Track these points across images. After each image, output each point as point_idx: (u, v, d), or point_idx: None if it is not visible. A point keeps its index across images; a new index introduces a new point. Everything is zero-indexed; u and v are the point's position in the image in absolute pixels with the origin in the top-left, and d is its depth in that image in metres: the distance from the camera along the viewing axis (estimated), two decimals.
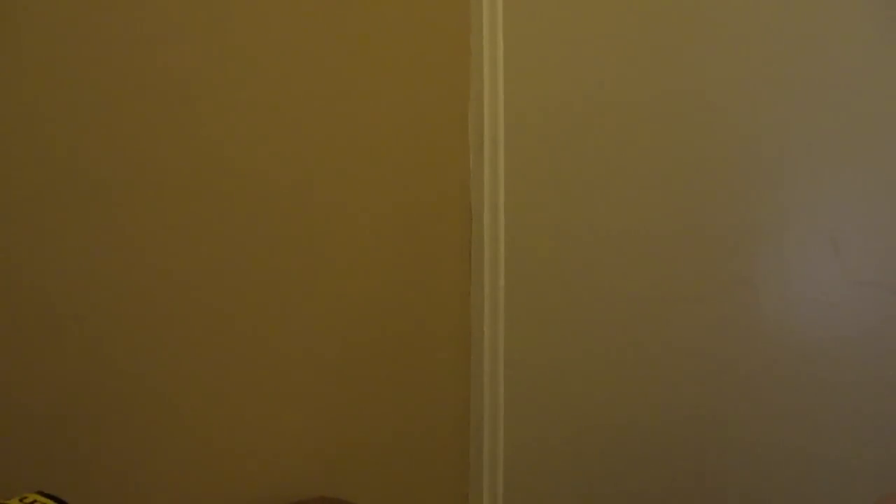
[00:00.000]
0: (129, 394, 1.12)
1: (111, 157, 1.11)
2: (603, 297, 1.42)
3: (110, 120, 1.11)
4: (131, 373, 1.13)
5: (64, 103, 1.07)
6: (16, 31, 1.03)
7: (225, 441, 1.22)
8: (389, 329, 1.43)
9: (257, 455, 1.26)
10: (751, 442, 1.27)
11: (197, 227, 1.19)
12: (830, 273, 1.20)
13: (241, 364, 1.24)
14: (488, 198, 1.53)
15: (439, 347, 1.50)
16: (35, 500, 0.85)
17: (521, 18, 1.51)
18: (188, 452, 1.18)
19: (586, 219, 1.44)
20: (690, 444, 1.33)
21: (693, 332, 1.32)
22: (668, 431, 1.35)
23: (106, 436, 1.10)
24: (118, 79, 1.11)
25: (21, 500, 0.85)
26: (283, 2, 1.28)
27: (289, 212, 1.29)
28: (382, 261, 1.42)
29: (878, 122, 1.17)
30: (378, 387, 1.41)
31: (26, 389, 1.04)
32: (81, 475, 1.08)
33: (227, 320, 1.22)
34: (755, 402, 1.27)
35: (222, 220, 1.21)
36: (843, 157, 1.20)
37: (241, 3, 1.23)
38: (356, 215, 1.38)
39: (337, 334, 1.35)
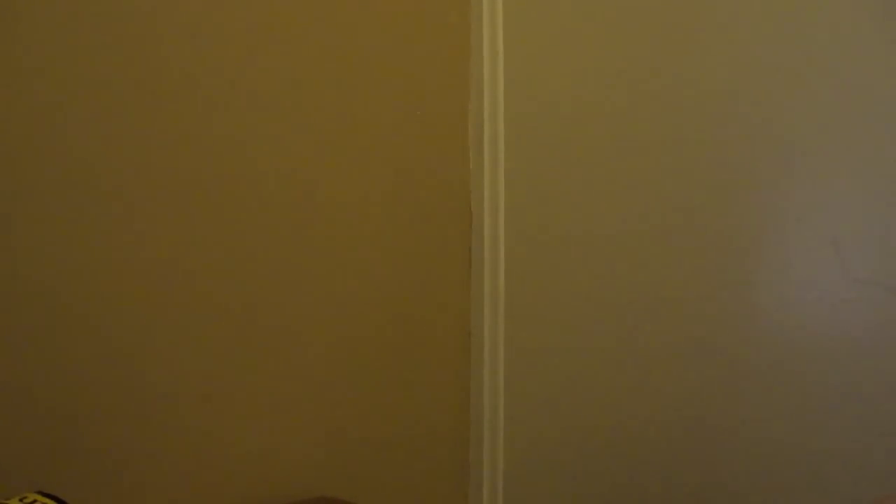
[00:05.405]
0: (129, 393, 1.12)
1: (115, 156, 1.11)
2: (603, 297, 1.42)
3: (115, 119, 1.11)
4: (131, 372, 1.13)
5: (68, 103, 1.07)
6: (19, 32, 1.03)
7: (225, 441, 1.22)
8: (389, 329, 1.42)
9: (257, 455, 1.26)
10: (751, 442, 1.27)
11: (196, 227, 1.19)
12: (830, 273, 1.20)
13: (241, 364, 1.24)
14: (488, 198, 1.53)
15: (439, 347, 1.50)
16: (35, 500, 0.85)
17: (521, 18, 1.51)
18: (188, 452, 1.18)
19: (586, 218, 1.44)
20: (691, 445, 1.32)
21: (693, 332, 1.32)
22: (669, 432, 1.35)
23: (106, 435, 1.11)
24: (121, 78, 1.11)
25: (21, 500, 0.85)
26: (283, 1, 1.28)
27: (287, 211, 1.29)
28: (382, 261, 1.42)
29: (878, 122, 1.17)
30: (378, 387, 1.41)
31: (27, 389, 1.04)
32: (81, 475, 1.08)
33: (226, 321, 1.22)
34: (755, 402, 1.27)
35: (221, 219, 1.21)
36: (844, 157, 1.20)
37: (240, 3, 1.23)
38: (355, 215, 1.38)
39: (336, 334, 1.35)
